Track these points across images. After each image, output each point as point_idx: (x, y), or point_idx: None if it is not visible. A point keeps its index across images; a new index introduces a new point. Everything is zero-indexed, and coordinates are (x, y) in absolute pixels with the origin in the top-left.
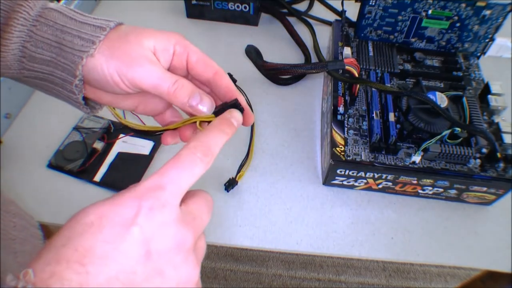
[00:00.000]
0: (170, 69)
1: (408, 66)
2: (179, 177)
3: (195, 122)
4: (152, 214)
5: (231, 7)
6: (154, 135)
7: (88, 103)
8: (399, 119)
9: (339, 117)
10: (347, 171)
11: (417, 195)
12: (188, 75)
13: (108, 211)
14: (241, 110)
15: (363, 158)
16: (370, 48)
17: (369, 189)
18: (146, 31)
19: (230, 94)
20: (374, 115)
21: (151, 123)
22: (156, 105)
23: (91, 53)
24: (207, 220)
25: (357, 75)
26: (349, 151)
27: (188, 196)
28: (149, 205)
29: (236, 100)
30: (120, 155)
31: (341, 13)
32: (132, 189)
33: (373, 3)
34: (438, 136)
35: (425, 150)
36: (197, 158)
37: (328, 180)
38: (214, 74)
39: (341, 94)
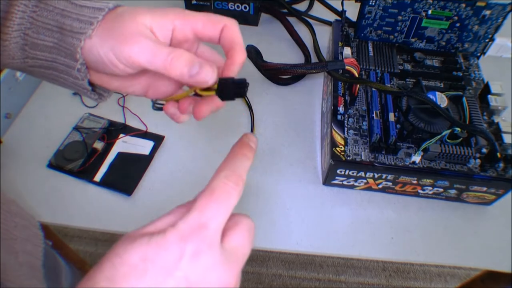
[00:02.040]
0: (173, 45)
1: (408, 66)
2: (219, 212)
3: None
4: (197, 258)
5: (231, 7)
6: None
7: (95, 90)
8: (399, 119)
9: (339, 117)
10: (347, 171)
11: (417, 195)
12: (196, 49)
13: (152, 254)
14: (246, 88)
15: (363, 158)
16: (370, 48)
17: (369, 189)
18: (142, 9)
19: (230, 46)
20: (374, 115)
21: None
22: (166, 88)
23: (89, 34)
24: (249, 251)
25: (357, 75)
26: (349, 151)
27: (230, 225)
28: (194, 249)
29: (245, 80)
30: (120, 155)
31: (341, 13)
32: (175, 229)
33: (373, 3)
34: (438, 136)
35: (425, 150)
36: (231, 189)
37: (328, 180)
38: (222, 28)
39: (341, 94)
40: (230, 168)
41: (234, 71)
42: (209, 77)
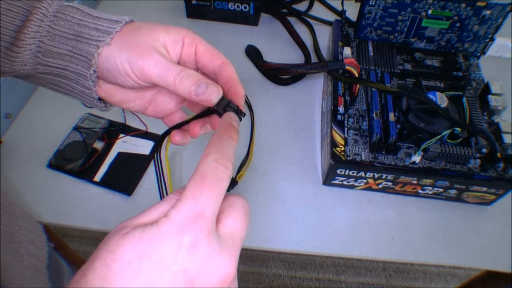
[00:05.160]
0: (180, 62)
1: (408, 66)
2: (212, 198)
3: (204, 117)
4: (195, 249)
5: (231, 7)
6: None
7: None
8: (399, 119)
9: (339, 117)
10: (347, 171)
11: (417, 195)
12: (197, 69)
13: (147, 249)
14: (240, 116)
15: (363, 158)
16: (370, 48)
17: (369, 189)
18: (157, 25)
19: (230, 84)
20: (374, 115)
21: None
22: (166, 105)
23: (108, 42)
24: (245, 233)
25: (357, 75)
26: (349, 151)
27: (224, 207)
28: (191, 240)
29: (237, 107)
30: (120, 155)
31: (341, 13)
32: (169, 220)
33: (373, 3)
34: (438, 136)
35: (425, 150)
36: (222, 173)
37: (328, 180)
38: (220, 64)
39: (341, 94)
40: (217, 151)
41: (241, 105)
42: (214, 96)
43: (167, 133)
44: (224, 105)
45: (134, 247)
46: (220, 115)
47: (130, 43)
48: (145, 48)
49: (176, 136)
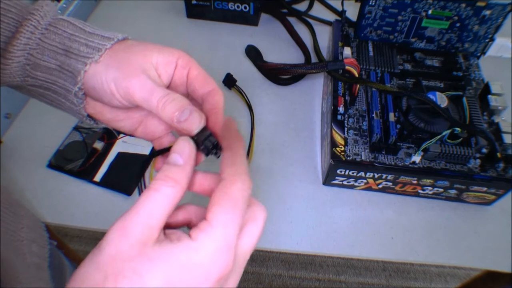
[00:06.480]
0: (171, 84)
1: (408, 66)
2: (239, 226)
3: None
4: (226, 280)
5: (231, 7)
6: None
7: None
8: (399, 119)
9: (339, 117)
10: (347, 171)
11: (417, 195)
12: (187, 93)
13: (178, 277)
14: (219, 151)
15: (363, 158)
16: (370, 48)
17: (369, 189)
18: (151, 45)
19: (214, 111)
20: (374, 115)
21: None
22: (155, 128)
23: (96, 59)
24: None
25: (357, 75)
26: (349, 151)
27: (246, 220)
28: (223, 271)
29: (218, 142)
30: (120, 155)
31: (341, 13)
32: (202, 247)
33: (373, 3)
34: (438, 136)
35: (425, 150)
36: (247, 194)
37: (328, 180)
38: (210, 90)
39: (341, 94)
40: (241, 171)
41: (218, 136)
42: (195, 126)
43: (149, 160)
44: (204, 138)
45: (164, 273)
46: (198, 147)
47: (119, 62)
48: (134, 68)
49: (160, 163)
